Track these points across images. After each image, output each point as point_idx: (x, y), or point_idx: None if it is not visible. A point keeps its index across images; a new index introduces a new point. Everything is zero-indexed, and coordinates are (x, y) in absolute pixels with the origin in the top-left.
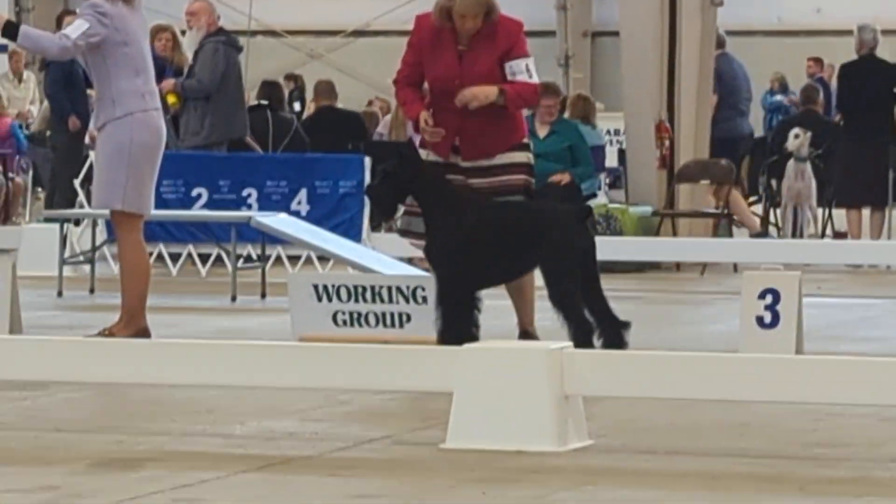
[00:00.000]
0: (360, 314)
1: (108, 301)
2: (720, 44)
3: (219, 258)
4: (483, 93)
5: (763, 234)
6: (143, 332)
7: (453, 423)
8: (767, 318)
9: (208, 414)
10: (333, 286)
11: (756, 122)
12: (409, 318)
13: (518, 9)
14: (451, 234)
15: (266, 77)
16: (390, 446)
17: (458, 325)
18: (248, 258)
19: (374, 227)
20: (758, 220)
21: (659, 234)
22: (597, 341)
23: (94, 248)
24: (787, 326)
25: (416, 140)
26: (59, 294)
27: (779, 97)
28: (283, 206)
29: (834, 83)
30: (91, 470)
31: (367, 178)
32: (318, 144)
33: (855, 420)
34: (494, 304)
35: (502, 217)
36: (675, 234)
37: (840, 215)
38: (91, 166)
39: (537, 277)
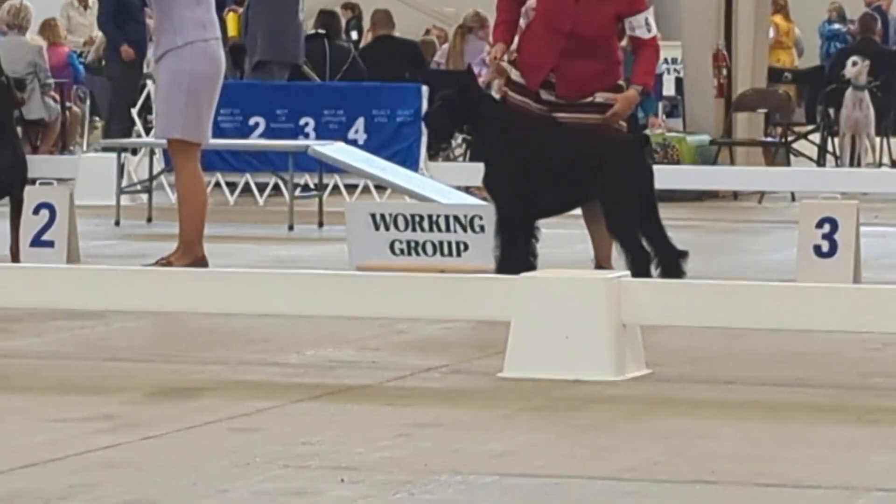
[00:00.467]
0: (417, 243)
1: (165, 230)
2: None
3: (276, 187)
4: (626, 105)
5: None
6: (201, 262)
7: (511, 352)
8: (825, 246)
9: (265, 343)
10: (391, 215)
11: (813, 50)
12: (466, 247)
13: None
14: (509, 163)
15: (324, 6)
16: (448, 375)
17: (516, 254)
18: (306, 187)
19: (432, 155)
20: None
21: (716, 163)
22: (654, 270)
23: (152, 177)
24: (844, 255)
25: (477, 69)
26: (117, 223)
27: (836, 25)
28: (340, 134)
29: (892, 13)
30: (148, 399)
31: (425, 107)
32: (376, 73)
33: None
34: (552, 233)
35: (560, 146)
36: (732, 162)
37: None
38: (148, 96)
39: None
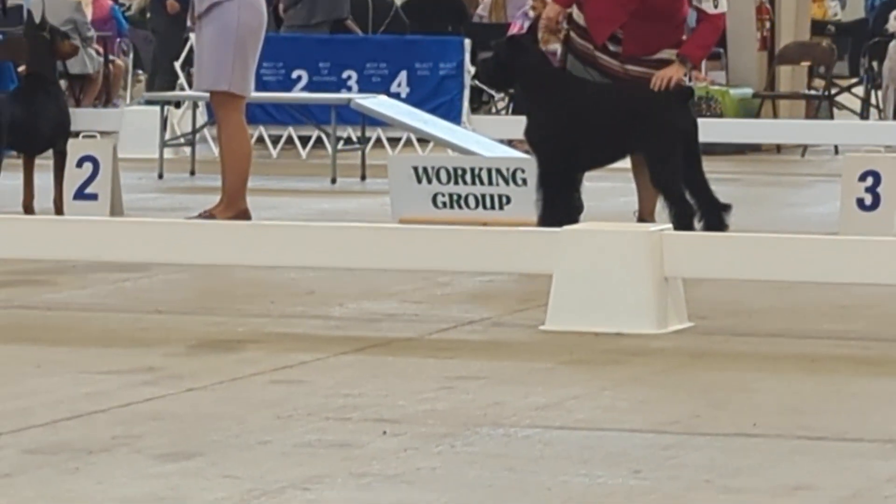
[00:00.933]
0: (459, 196)
1: (208, 183)
2: None
3: (319, 140)
4: (669, 76)
5: None
6: (244, 214)
7: (553, 305)
8: (868, 200)
9: (308, 296)
10: (433, 168)
11: (857, 3)
12: (508, 200)
13: None
14: (551, 116)
15: None
16: (490, 328)
17: (559, 208)
18: (348, 140)
19: (474, 108)
20: None
21: (759, 116)
22: (697, 223)
23: (195, 130)
24: (887, 208)
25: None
26: (160, 176)
27: None
28: (382, 88)
29: None
30: (191, 351)
31: (468, 61)
32: (418, 27)
33: None
34: (595, 186)
35: (603, 99)
36: (775, 115)
37: None
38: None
39: None
